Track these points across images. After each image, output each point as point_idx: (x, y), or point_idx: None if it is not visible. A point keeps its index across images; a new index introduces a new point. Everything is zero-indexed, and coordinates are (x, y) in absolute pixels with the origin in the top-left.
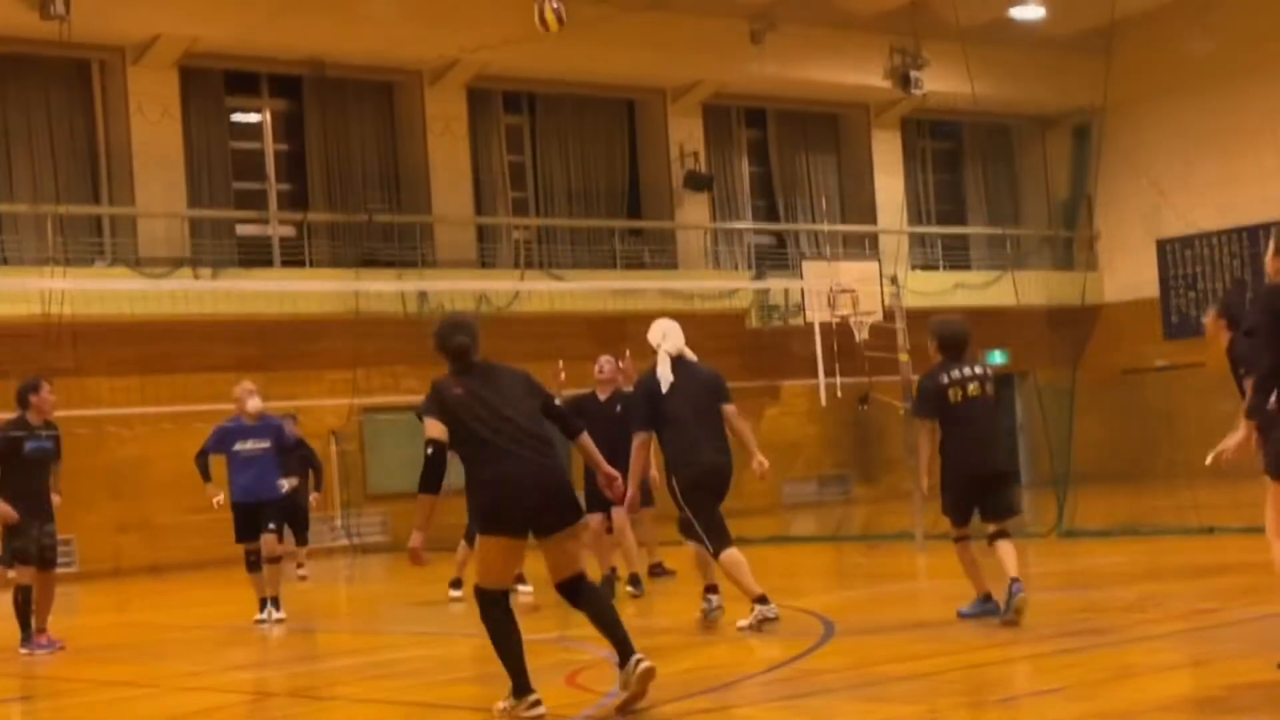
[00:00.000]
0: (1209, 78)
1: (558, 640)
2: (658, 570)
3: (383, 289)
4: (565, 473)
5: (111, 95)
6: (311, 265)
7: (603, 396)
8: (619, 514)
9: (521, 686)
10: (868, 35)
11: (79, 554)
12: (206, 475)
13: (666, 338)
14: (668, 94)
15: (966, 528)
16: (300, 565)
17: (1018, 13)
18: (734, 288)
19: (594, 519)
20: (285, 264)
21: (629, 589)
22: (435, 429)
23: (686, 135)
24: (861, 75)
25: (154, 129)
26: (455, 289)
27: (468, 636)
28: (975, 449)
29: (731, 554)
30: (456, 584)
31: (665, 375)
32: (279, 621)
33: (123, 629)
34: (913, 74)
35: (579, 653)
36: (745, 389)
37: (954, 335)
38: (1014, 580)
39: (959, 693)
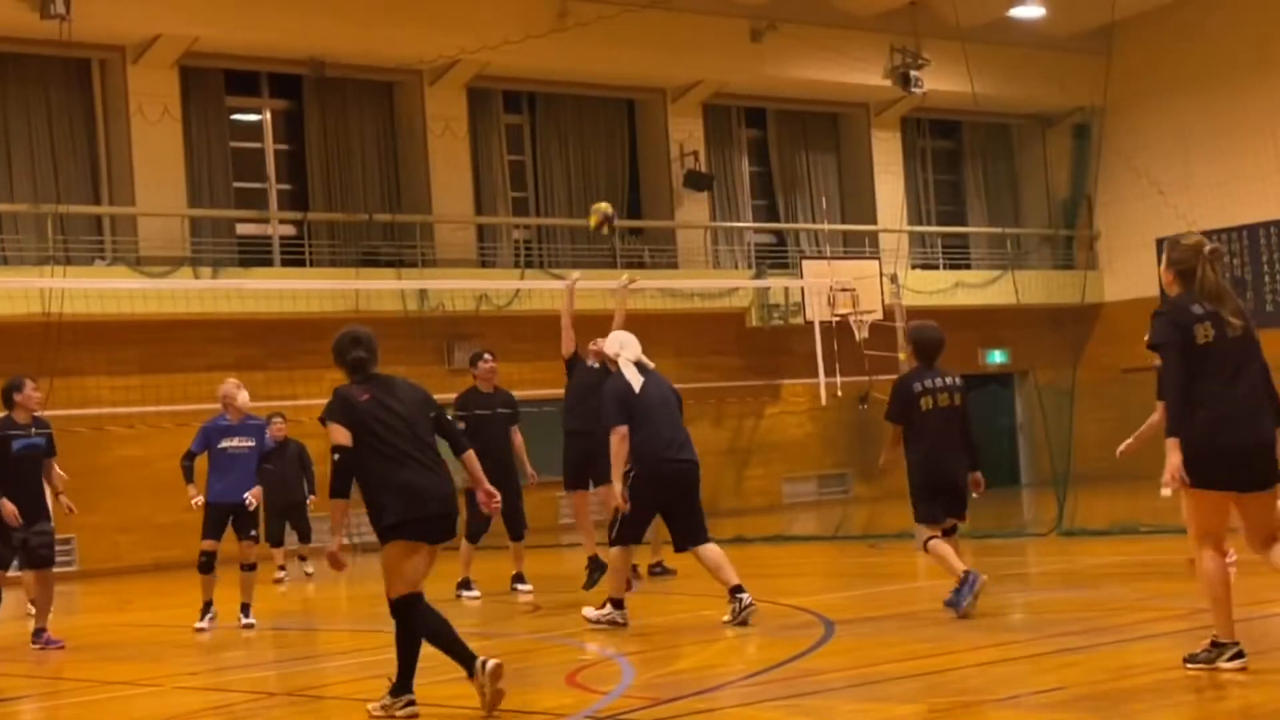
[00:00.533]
0: (1209, 78)
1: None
2: (657, 569)
3: (383, 288)
4: (453, 487)
5: (111, 95)
6: (311, 265)
7: (591, 364)
8: (607, 491)
9: (470, 659)
10: (868, 35)
11: (79, 554)
12: (189, 476)
13: (625, 347)
14: (668, 94)
15: (938, 527)
16: (304, 559)
17: (1018, 13)
18: (734, 287)
19: (577, 495)
20: (285, 263)
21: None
22: (342, 435)
23: (686, 135)
24: (861, 75)
25: (154, 129)
26: (455, 288)
27: (467, 636)
28: (941, 458)
29: (620, 552)
30: (465, 584)
31: (634, 377)
32: (248, 627)
33: (123, 629)
34: (913, 74)
35: (579, 652)
36: (745, 388)
37: (929, 341)
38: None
39: (959, 693)
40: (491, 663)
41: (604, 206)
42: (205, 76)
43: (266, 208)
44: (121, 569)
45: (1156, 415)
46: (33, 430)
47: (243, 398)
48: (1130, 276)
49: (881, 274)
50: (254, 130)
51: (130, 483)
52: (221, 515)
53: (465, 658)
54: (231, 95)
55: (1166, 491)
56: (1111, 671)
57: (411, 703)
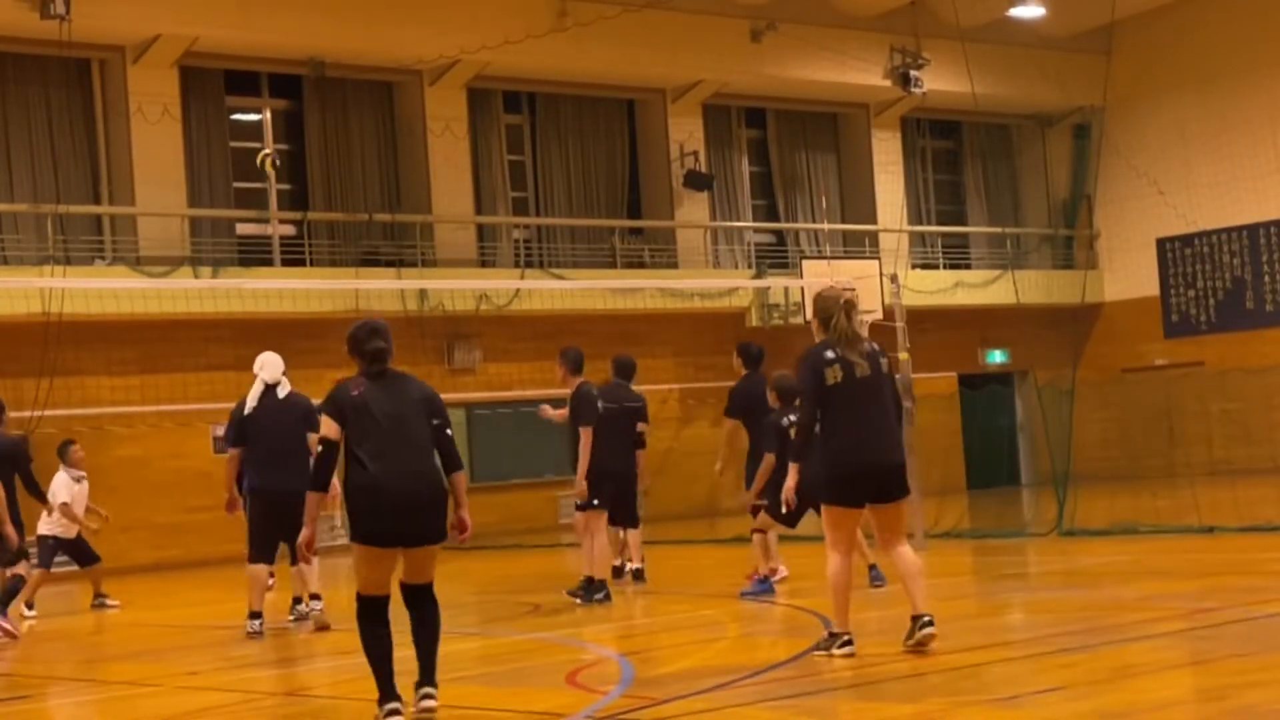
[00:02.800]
0: (1209, 78)
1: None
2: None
3: (383, 288)
4: (440, 488)
5: (111, 95)
6: (311, 264)
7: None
8: (594, 516)
9: (387, 693)
10: (868, 35)
11: None
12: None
13: (264, 368)
14: (668, 94)
15: (776, 525)
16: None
17: (1018, 12)
18: (734, 286)
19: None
20: (285, 263)
21: (596, 596)
22: (329, 428)
23: (686, 135)
24: (861, 75)
25: (154, 129)
26: (455, 288)
27: (467, 636)
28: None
29: (253, 569)
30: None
31: (250, 400)
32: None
33: (123, 629)
34: (913, 73)
35: (579, 652)
36: None
37: (792, 389)
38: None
39: (959, 693)
40: (396, 717)
41: None
42: (205, 76)
43: (266, 208)
44: (121, 569)
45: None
46: None
47: None
48: (1130, 276)
49: (881, 274)
50: (254, 130)
51: (130, 483)
52: None
53: (384, 689)
54: (231, 95)
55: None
56: (1111, 671)
57: (395, 712)
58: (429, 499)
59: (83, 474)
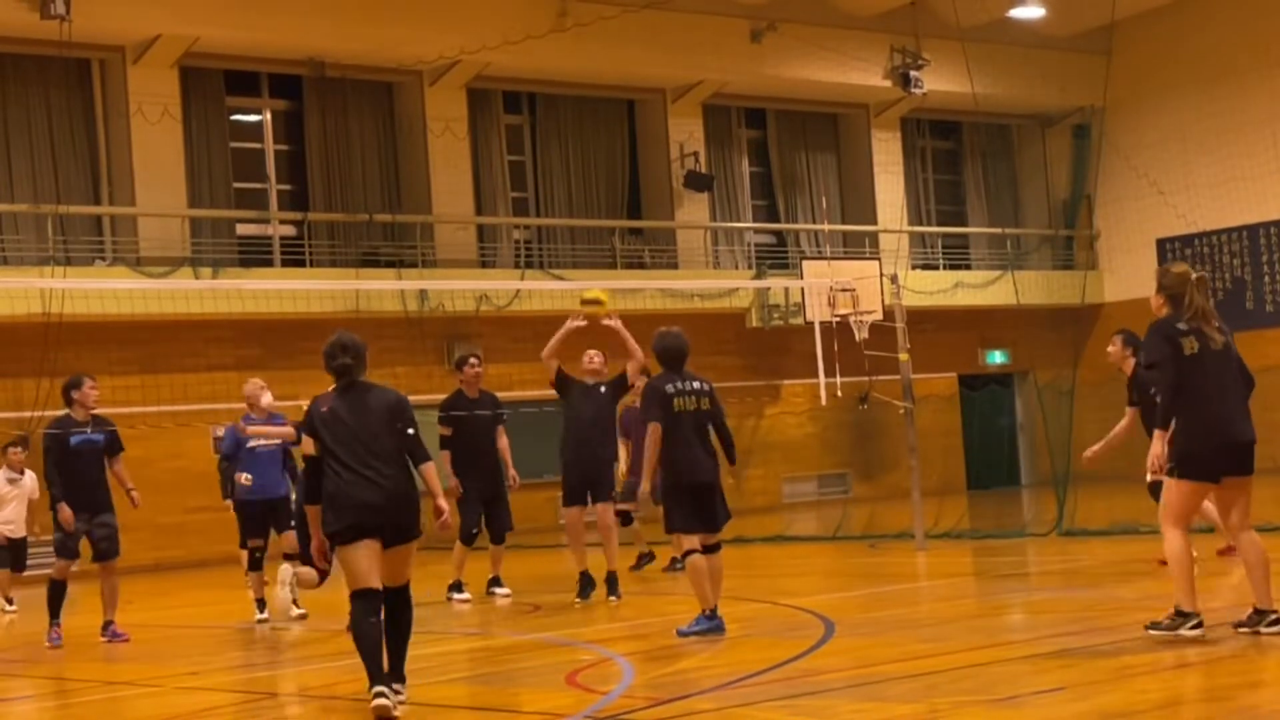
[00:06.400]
0: (1209, 78)
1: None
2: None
3: (383, 288)
4: (406, 490)
5: (111, 95)
6: (311, 265)
7: (590, 383)
8: (604, 509)
9: (375, 678)
10: (868, 35)
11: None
12: (229, 490)
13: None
14: (668, 94)
15: (697, 539)
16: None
17: (1018, 13)
18: (734, 287)
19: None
20: (285, 263)
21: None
22: (307, 445)
23: (686, 135)
24: (861, 75)
25: (154, 129)
26: (455, 289)
27: (467, 636)
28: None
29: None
30: (457, 586)
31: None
32: (301, 618)
33: (123, 629)
34: (913, 74)
35: (579, 652)
36: (745, 388)
37: (673, 349)
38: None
39: (959, 693)
40: (379, 701)
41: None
42: (205, 76)
43: (266, 208)
44: (122, 569)
45: (1126, 421)
46: (90, 428)
47: (267, 399)
48: (1130, 276)
49: (881, 274)
50: (254, 130)
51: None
52: (259, 512)
53: (375, 670)
54: (231, 95)
55: (1150, 476)
56: (1111, 671)
57: (382, 693)
58: (394, 499)
59: (18, 475)
